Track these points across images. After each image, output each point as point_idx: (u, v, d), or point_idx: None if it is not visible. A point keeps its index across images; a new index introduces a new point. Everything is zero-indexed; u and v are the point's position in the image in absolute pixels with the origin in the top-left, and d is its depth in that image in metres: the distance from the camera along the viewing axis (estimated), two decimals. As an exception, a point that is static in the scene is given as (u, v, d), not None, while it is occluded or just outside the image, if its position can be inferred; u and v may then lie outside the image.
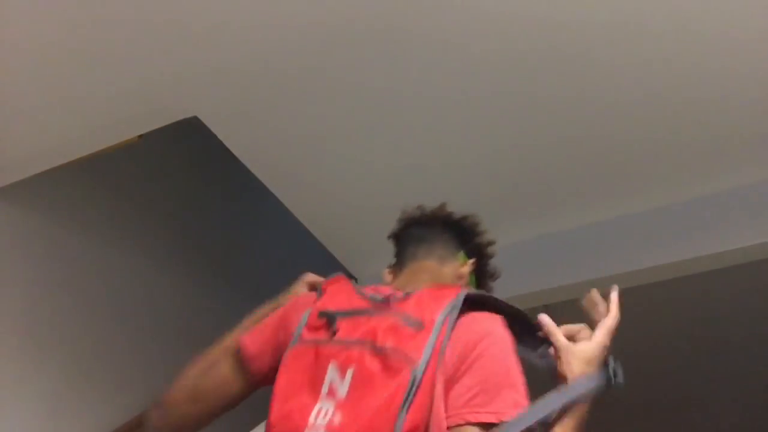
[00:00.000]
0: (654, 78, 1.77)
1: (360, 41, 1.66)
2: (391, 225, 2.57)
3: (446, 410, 0.85)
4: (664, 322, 3.05)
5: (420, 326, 0.89)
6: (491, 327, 0.93)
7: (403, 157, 2.08)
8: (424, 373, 0.84)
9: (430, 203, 2.35)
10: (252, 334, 1.10)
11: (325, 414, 0.86)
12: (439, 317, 0.89)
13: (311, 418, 0.86)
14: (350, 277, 2.75)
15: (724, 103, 1.85)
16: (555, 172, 2.12)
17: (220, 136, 1.96)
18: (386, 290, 1.04)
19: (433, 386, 0.84)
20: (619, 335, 1.02)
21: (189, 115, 1.86)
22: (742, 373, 3.40)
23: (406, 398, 0.81)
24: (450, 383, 0.87)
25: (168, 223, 2.62)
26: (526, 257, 2.38)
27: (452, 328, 0.90)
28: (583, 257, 2.27)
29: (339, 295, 1.03)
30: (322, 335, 0.95)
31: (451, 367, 0.87)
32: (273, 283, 3.56)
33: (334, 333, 0.94)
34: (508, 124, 1.94)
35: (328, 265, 2.86)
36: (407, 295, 0.98)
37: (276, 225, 3.25)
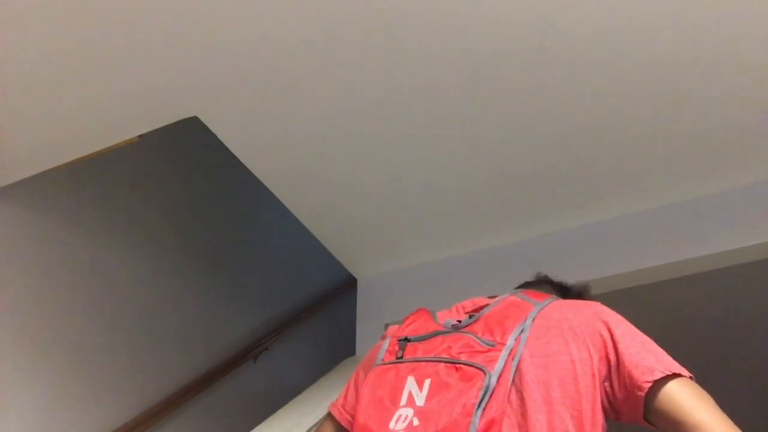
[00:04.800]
0: (654, 78, 1.77)
1: (360, 42, 1.66)
2: (391, 225, 2.57)
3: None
4: (664, 322, 3.05)
5: (492, 345, 1.00)
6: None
7: (403, 157, 2.08)
8: (499, 377, 0.93)
9: (430, 202, 2.36)
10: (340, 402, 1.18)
11: (405, 419, 0.94)
12: (509, 340, 1.00)
13: (391, 424, 0.94)
14: (350, 277, 2.76)
15: (725, 102, 1.85)
16: (555, 172, 2.12)
17: (220, 136, 1.96)
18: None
19: (506, 390, 0.93)
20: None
21: (189, 115, 1.86)
22: (743, 373, 3.40)
23: (481, 400, 0.90)
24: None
25: (168, 223, 2.62)
26: (527, 257, 2.38)
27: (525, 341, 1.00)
28: (583, 257, 2.27)
29: (417, 323, 1.15)
30: (401, 355, 1.07)
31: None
32: (273, 284, 3.58)
33: (413, 353, 1.06)
34: (508, 124, 1.94)
35: (328, 265, 2.86)
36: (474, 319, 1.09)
37: (276, 225, 3.25)
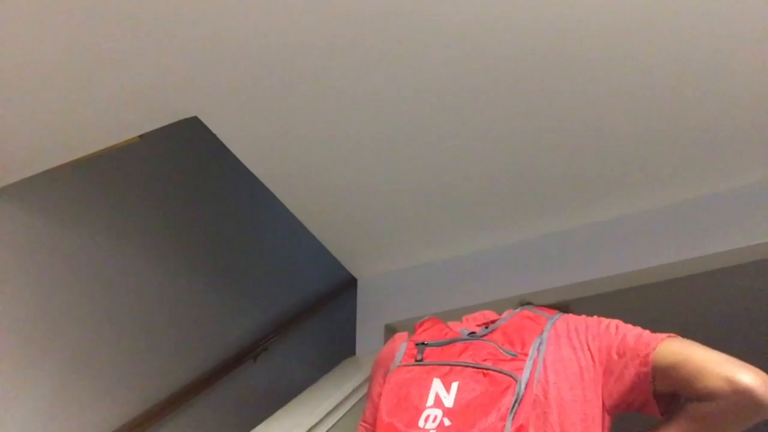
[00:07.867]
0: (653, 78, 1.77)
1: (360, 43, 1.66)
2: (391, 225, 2.57)
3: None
4: (664, 322, 3.05)
5: (514, 355, 1.05)
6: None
7: (404, 157, 2.08)
8: (526, 386, 0.98)
9: (430, 202, 2.36)
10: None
11: (434, 419, 0.97)
12: (531, 351, 1.05)
13: (420, 422, 0.97)
14: (350, 277, 2.75)
15: (724, 102, 1.85)
16: (555, 172, 2.12)
17: (220, 136, 1.96)
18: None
19: (532, 398, 0.98)
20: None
21: (189, 115, 1.86)
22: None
23: (513, 406, 0.94)
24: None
25: (168, 223, 2.62)
26: (527, 257, 2.38)
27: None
28: (583, 257, 2.27)
29: (431, 330, 1.18)
30: (420, 358, 1.10)
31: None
32: (273, 284, 3.57)
33: (433, 357, 1.09)
34: (507, 124, 1.94)
35: (328, 265, 2.87)
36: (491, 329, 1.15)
37: (276, 225, 3.25)
